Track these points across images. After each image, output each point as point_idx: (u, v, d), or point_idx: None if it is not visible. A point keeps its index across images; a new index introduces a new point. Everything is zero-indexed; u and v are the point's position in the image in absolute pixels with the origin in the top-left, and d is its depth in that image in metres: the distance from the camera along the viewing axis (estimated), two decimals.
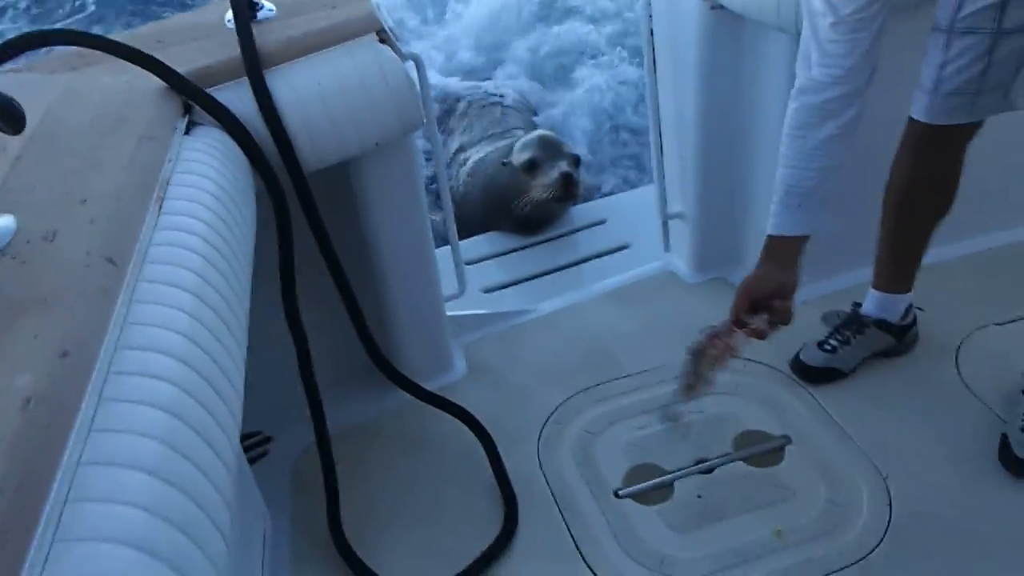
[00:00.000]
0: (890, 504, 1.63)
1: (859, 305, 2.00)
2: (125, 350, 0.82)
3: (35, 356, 0.75)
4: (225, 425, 0.87)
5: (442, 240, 2.06)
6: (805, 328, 2.10)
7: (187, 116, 1.36)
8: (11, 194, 1.04)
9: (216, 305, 0.98)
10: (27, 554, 0.60)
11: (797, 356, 1.98)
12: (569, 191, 2.77)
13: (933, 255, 2.27)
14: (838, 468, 1.72)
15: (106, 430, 0.73)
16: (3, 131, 0.85)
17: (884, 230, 1.89)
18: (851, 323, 1.96)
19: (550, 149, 2.90)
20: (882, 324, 1.94)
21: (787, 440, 1.78)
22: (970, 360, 1.94)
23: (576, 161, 2.93)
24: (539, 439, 1.88)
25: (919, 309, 2.00)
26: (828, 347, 1.95)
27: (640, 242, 2.65)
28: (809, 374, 1.95)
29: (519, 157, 2.92)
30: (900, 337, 1.97)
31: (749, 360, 2.02)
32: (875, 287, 1.96)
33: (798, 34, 1.76)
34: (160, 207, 1.07)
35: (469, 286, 2.14)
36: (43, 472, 0.66)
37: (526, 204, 2.79)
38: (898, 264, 1.93)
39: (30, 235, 0.94)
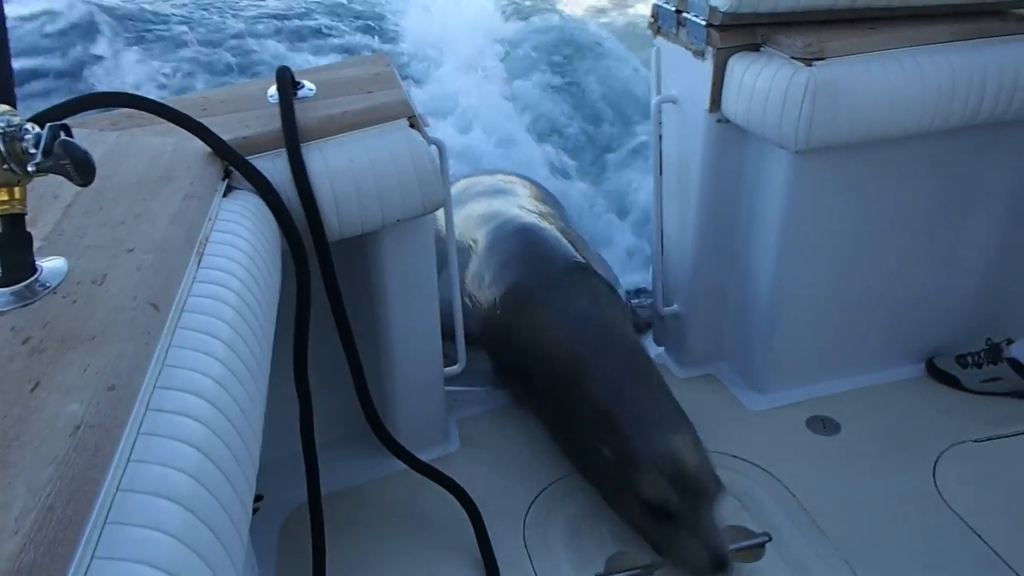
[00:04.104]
0: None
1: (1011, 342, 2.25)
2: (163, 389, 0.89)
3: (85, 387, 0.82)
4: (245, 467, 0.93)
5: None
6: (792, 429, 2.18)
7: (226, 180, 1.45)
8: (62, 238, 1.12)
9: (244, 356, 1.05)
10: (70, 567, 0.65)
11: (932, 359, 2.36)
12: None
13: (917, 370, 2.37)
14: (815, 568, 1.76)
15: (143, 461, 0.79)
16: (75, 182, 0.93)
17: None
18: (990, 352, 2.27)
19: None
20: (1015, 364, 2.21)
21: (767, 537, 1.82)
22: (946, 472, 2.00)
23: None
24: (526, 517, 1.92)
25: None
26: (961, 361, 2.30)
27: None
28: (934, 372, 2.34)
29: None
30: None
31: (735, 457, 2.08)
32: None
33: (796, 152, 1.90)
34: (199, 261, 1.15)
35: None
36: (87, 494, 0.71)
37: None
38: None
39: (80, 277, 1.02)
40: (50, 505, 0.67)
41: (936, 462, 2.04)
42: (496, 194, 2.86)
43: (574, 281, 2.21)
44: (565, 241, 2.39)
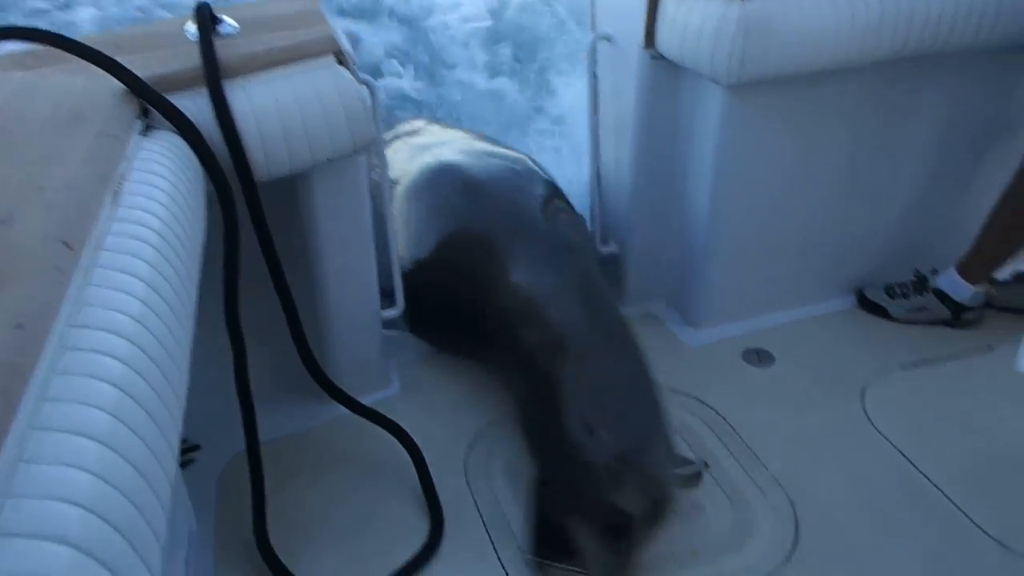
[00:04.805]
0: (797, 526, 1.73)
1: (936, 272, 2.32)
2: (78, 328, 0.85)
3: None
4: (170, 404, 0.90)
5: None
6: (728, 362, 2.22)
7: (144, 120, 1.39)
8: None
9: (167, 295, 1.02)
10: None
11: (862, 289, 2.43)
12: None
13: (849, 302, 2.44)
14: (751, 492, 1.81)
15: (58, 399, 0.76)
16: None
17: (995, 228, 2.14)
18: (917, 282, 2.35)
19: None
20: (940, 295, 2.29)
21: (705, 465, 1.87)
22: (875, 399, 2.07)
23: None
24: (467, 456, 1.93)
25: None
26: (890, 292, 2.37)
27: None
28: (863, 303, 2.43)
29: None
30: (956, 314, 2.29)
31: (674, 391, 2.11)
32: (956, 267, 2.25)
33: (729, 87, 1.90)
34: (116, 200, 1.10)
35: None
36: None
37: None
38: (987, 262, 2.21)
39: None
40: None
41: (865, 389, 2.11)
42: (444, 133, 2.68)
43: (547, 225, 2.02)
44: (532, 175, 2.24)
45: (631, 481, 1.57)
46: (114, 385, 0.81)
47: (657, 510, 1.60)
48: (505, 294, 1.89)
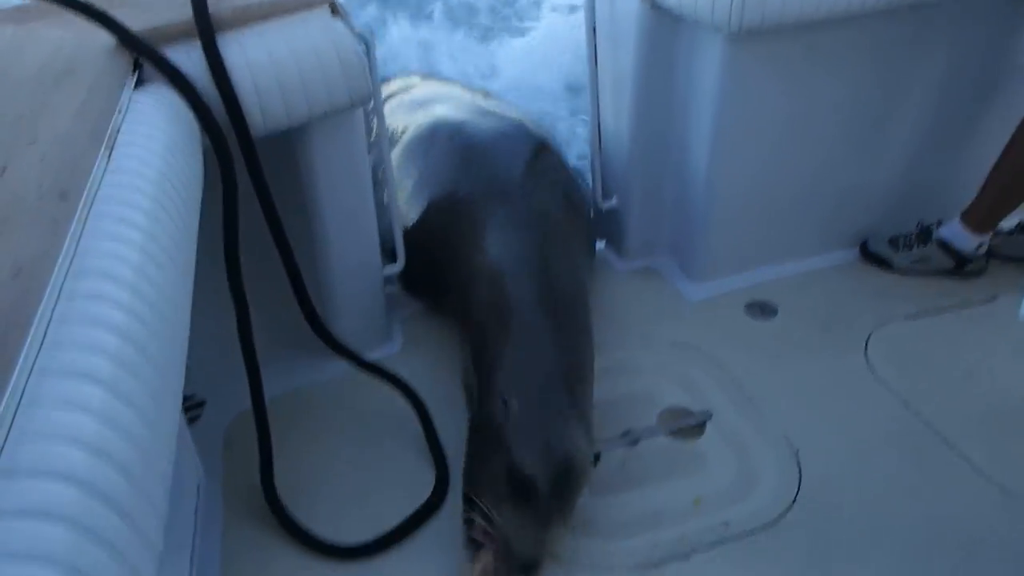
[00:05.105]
0: (799, 475, 1.74)
1: (941, 223, 2.30)
2: (77, 277, 0.85)
3: None
4: (172, 353, 0.90)
5: None
6: (731, 315, 2.22)
7: (136, 73, 1.37)
8: None
9: (164, 245, 1.01)
10: None
11: (866, 241, 2.42)
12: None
13: (852, 254, 2.43)
14: (754, 442, 1.82)
15: (59, 345, 0.76)
16: None
17: (999, 178, 2.13)
18: (921, 234, 2.33)
19: None
20: (944, 245, 2.27)
21: (708, 416, 1.88)
22: (878, 349, 2.07)
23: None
24: None
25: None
26: (893, 243, 2.36)
27: None
28: (866, 255, 2.41)
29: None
30: (960, 264, 2.28)
31: (676, 343, 2.12)
32: (960, 217, 2.25)
33: (731, 33, 1.87)
34: (111, 153, 1.09)
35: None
36: None
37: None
38: (991, 212, 2.19)
39: None
40: None
41: (868, 340, 2.10)
42: (440, 88, 2.71)
43: (526, 190, 2.03)
44: (524, 135, 2.24)
45: (535, 448, 1.54)
46: (114, 332, 0.81)
47: (565, 480, 1.53)
48: (469, 258, 1.93)
